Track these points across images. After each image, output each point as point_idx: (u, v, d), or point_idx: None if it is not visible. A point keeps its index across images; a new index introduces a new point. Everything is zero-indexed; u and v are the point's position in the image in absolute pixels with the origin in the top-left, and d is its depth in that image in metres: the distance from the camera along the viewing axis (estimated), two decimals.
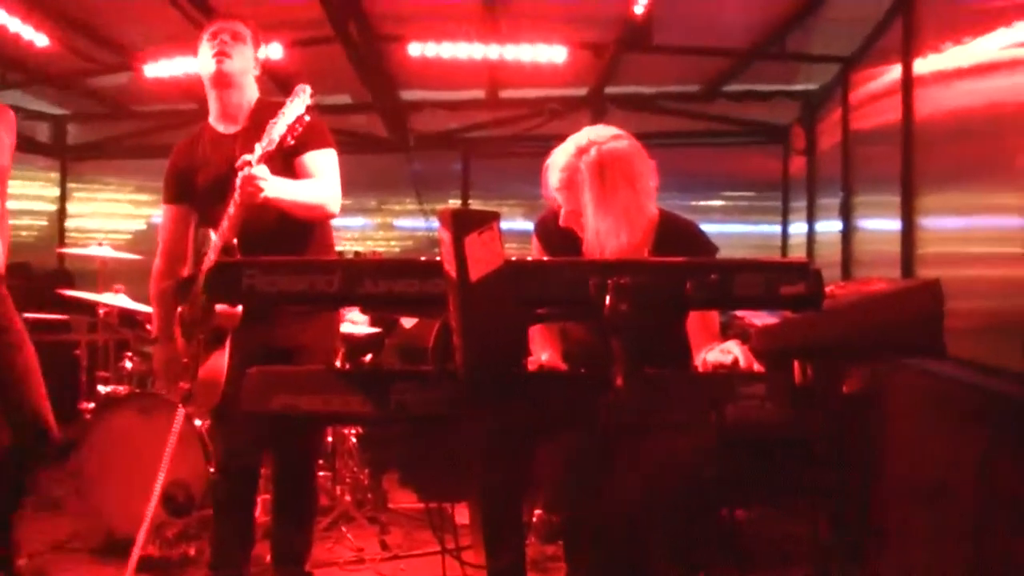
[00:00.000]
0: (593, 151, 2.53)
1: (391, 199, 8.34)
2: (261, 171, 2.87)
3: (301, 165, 3.18)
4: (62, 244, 8.34)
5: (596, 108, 6.94)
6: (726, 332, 2.70)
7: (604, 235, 2.48)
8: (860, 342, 2.14)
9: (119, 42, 6.23)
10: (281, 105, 2.95)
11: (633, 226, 2.50)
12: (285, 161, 3.10)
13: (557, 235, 2.66)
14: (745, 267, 1.74)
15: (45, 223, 8.73)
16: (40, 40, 5.87)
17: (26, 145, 8.48)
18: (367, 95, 7.11)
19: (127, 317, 5.14)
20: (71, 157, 8.67)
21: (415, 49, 5.96)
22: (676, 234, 2.66)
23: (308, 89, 2.91)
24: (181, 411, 3.70)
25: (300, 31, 5.67)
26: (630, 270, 1.71)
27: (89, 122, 8.43)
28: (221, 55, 3.19)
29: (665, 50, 5.96)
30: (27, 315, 5.47)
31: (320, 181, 3.19)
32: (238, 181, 2.87)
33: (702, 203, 7.78)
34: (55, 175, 8.72)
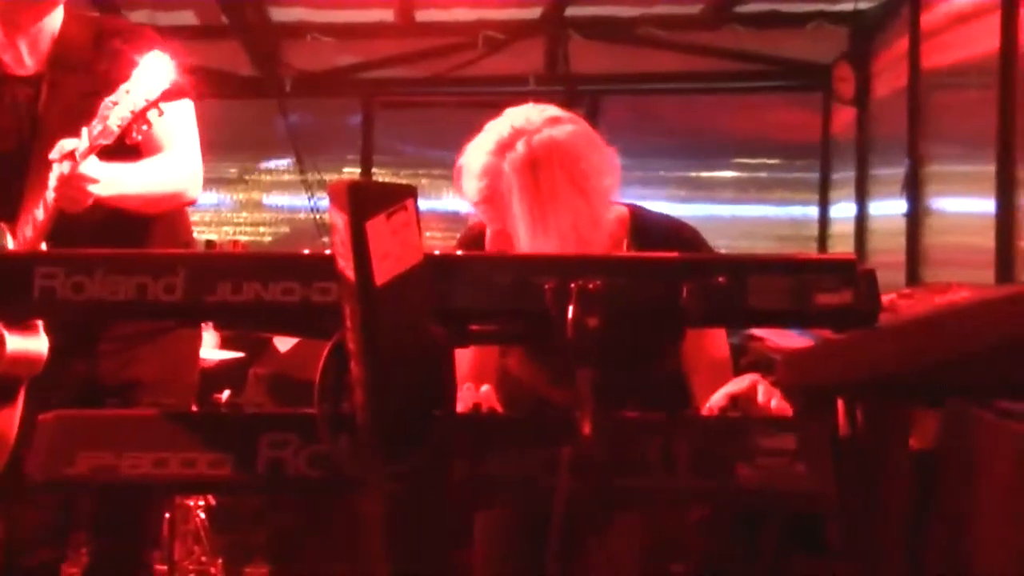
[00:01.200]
0: (520, 145, 2.46)
1: (258, 166, 8.32)
2: (90, 169, 2.79)
3: (144, 129, 3.00)
4: None
5: (552, 36, 6.97)
6: (739, 360, 2.74)
7: None
8: (934, 376, 2.17)
9: None
10: (106, 33, 2.96)
11: (587, 245, 2.49)
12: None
13: None
14: (766, 266, 1.76)
15: None
16: None
17: None
18: (220, 15, 7.08)
19: None
20: None
21: None
22: (662, 243, 2.60)
23: (169, 61, 2.82)
24: None
25: None
26: (602, 269, 1.72)
27: None
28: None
29: None
30: None
31: (173, 156, 3.12)
32: (52, 180, 2.80)
33: (706, 174, 7.83)
34: None
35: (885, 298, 1.82)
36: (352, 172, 8.01)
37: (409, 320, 1.66)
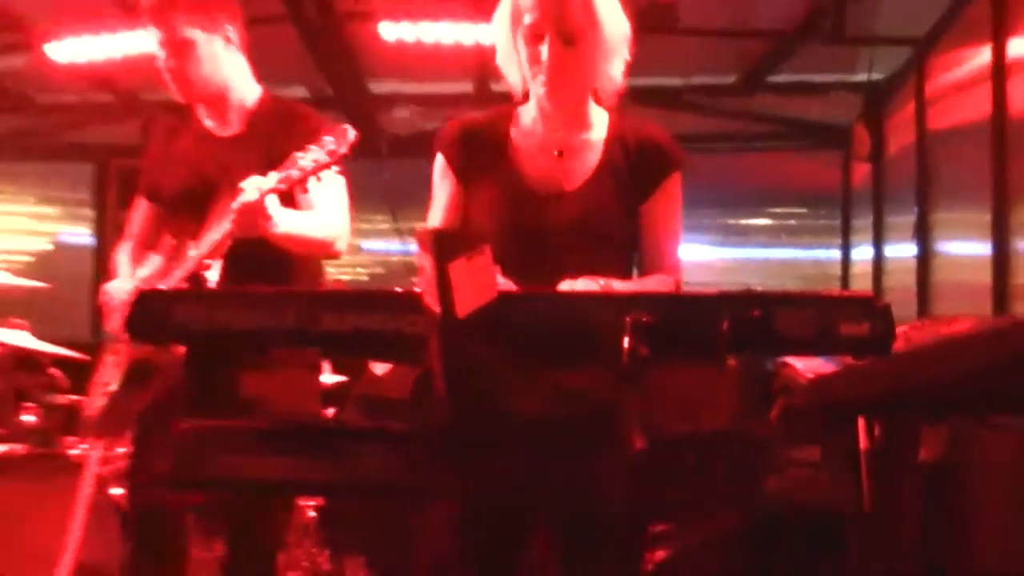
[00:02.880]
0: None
1: (358, 216, 8.32)
2: (272, 204, 2.88)
3: (302, 194, 3.15)
4: None
5: None
6: (772, 381, 2.71)
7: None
8: (940, 395, 2.14)
9: (12, 14, 6.26)
10: (291, 113, 3.16)
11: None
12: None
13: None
14: (795, 301, 1.75)
15: None
16: None
17: None
18: (328, 87, 7.15)
19: (27, 359, 5.14)
20: None
21: (388, 31, 6.01)
22: (637, 145, 2.46)
23: (351, 134, 2.94)
24: (90, 474, 3.71)
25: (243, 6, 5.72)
26: (652, 305, 1.72)
27: None
28: (172, 79, 3.21)
29: (695, 32, 5.98)
30: None
31: (327, 214, 3.22)
32: (236, 205, 2.87)
33: (742, 222, 7.78)
34: None
35: (899, 329, 1.80)
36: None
37: (484, 348, 1.66)
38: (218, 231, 2.95)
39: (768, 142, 7.71)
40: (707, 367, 2.00)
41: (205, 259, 2.98)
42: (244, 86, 3.31)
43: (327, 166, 2.91)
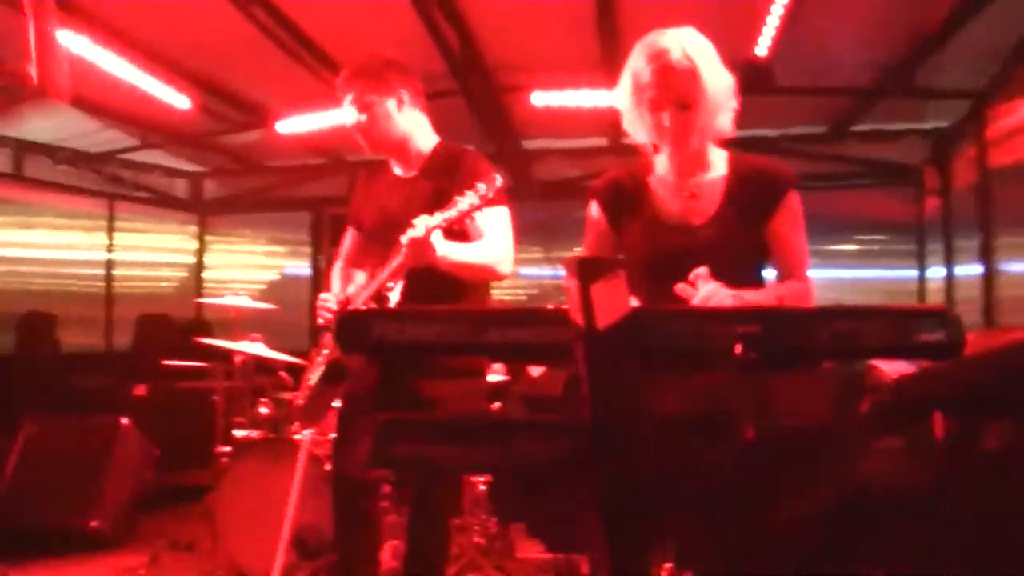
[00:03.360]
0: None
1: (517, 248, 8.44)
2: (436, 238, 2.89)
3: (471, 223, 3.13)
4: (200, 295, 8.71)
5: None
6: (861, 381, 2.61)
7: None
8: (1004, 392, 2.04)
9: (251, 102, 6.53)
10: (462, 156, 3.17)
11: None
12: None
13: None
14: (880, 315, 1.70)
15: (184, 275, 9.14)
16: (181, 103, 6.20)
17: (165, 201, 8.97)
18: (490, 146, 7.24)
19: (262, 365, 5.32)
20: (208, 211, 9.08)
21: (538, 98, 6.06)
22: (756, 179, 2.45)
23: (499, 179, 2.95)
24: (304, 453, 3.81)
25: (424, 85, 5.82)
26: (761, 318, 1.68)
27: (224, 178, 8.84)
28: (359, 135, 3.27)
29: (789, 91, 5.90)
30: (167, 362, 5.75)
31: (491, 241, 3.18)
32: (405, 240, 2.89)
33: (833, 247, 7.61)
34: (193, 229, 9.15)
35: (968, 336, 1.74)
36: (580, 251, 8.04)
37: (620, 355, 1.64)
38: (395, 260, 2.95)
39: (853, 180, 7.54)
40: (808, 371, 1.95)
41: (387, 283, 3.00)
42: (422, 137, 3.33)
43: (479, 208, 2.89)
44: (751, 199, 2.38)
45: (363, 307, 3.04)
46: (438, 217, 2.88)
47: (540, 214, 7.89)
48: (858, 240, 7.70)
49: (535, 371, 5.09)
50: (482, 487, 4.83)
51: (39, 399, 6.41)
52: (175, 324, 7.94)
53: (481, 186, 2.88)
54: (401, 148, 3.31)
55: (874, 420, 1.98)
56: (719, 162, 2.45)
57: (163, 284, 8.92)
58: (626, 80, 2.38)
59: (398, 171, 3.36)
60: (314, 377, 3.31)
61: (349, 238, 3.55)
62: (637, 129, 2.42)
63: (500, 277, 3.26)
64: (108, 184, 8.41)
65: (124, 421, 5.63)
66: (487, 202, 2.95)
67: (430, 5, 4.90)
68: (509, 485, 4.62)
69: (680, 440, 1.80)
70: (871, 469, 1.67)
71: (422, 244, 2.85)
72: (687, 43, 2.30)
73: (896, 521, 2.43)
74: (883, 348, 1.72)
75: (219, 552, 4.43)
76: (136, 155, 8.11)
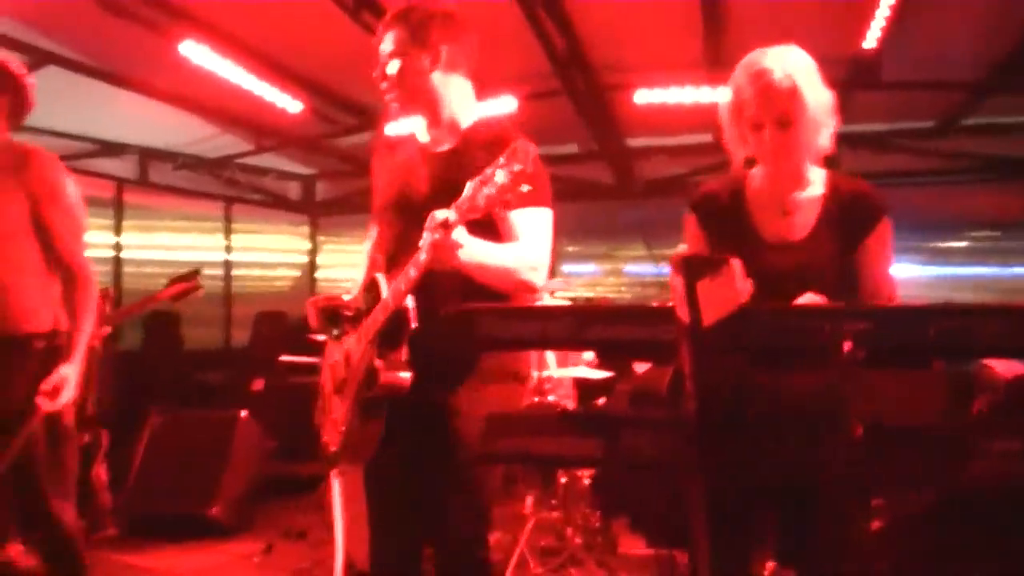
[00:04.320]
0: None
1: (620, 245, 8.41)
2: (459, 235, 2.41)
3: (505, 222, 2.64)
4: (313, 293, 8.92)
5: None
6: (974, 380, 2.54)
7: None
8: None
9: (361, 104, 6.66)
10: (506, 135, 2.59)
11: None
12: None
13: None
14: (992, 312, 1.64)
15: (298, 274, 9.38)
16: (293, 107, 6.37)
17: (279, 203, 9.22)
18: (594, 144, 7.23)
19: None
20: (319, 212, 9.29)
21: (641, 96, 6.03)
22: (852, 202, 2.38)
23: (531, 150, 2.35)
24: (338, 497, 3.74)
25: (529, 84, 5.85)
26: (870, 316, 1.65)
27: (335, 179, 9.02)
28: (386, 87, 2.80)
29: (896, 86, 5.74)
30: (282, 358, 5.91)
31: (525, 245, 2.64)
32: (424, 241, 2.44)
33: (943, 244, 7.38)
34: (306, 229, 9.37)
35: None
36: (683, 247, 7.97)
37: (725, 352, 1.63)
38: (412, 267, 2.50)
39: (963, 176, 7.29)
40: (917, 369, 1.90)
41: (402, 294, 2.55)
42: (459, 105, 2.79)
43: (510, 193, 2.33)
44: (846, 220, 2.37)
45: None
46: (460, 206, 2.39)
47: (644, 212, 7.85)
48: (970, 237, 7.45)
49: (639, 367, 5.07)
50: (586, 481, 4.83)
51: (164, 393, 6.68)
52: (290, 321, 8.15)
53: (506, 166, 2.33)
54: (432, 112, 2.79)
55: (988, 420, 1.92)
56: (817, 180, 2.44)
57: (278, 283, 9.16)
58: (728, 97, 2.40)
59: (425, 139, 2.84)
60: (338, 412, 2.81)
61: (372, 234, 3.03)
62: (737, 146, 2.44)
63: (530, 289, 2.68)
64: (225, 187, 8.71)
65: (242, 414, 5.81)
66: (524, 199, 2.43)
67: (535, 5, 4.93)
68: (613, 479, 4.61)
69: (786, 438, 1.78)
70: (984, 471, 1.62)
71: (444, 247, 2.41)
72: (788, 62, 2.32)
73: (1011, 524, 2.35)
74: (995, 347, 1.66)
75: (329, 541, 4.54)
76: (251, 159, 8.36)
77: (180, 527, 5.28)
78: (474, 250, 2.47)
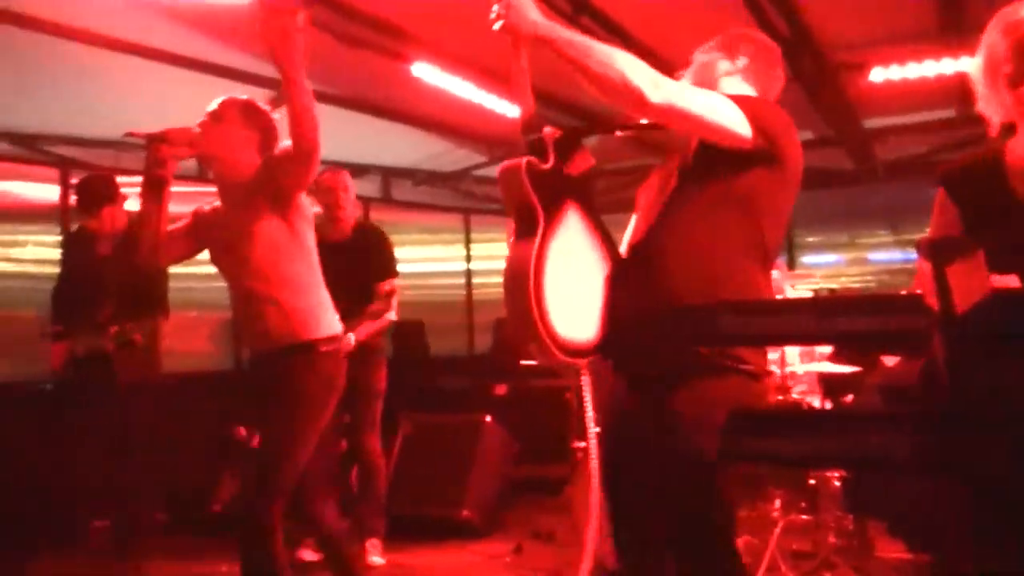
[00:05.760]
0: None
1: (863, 232, 8.02)
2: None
3: None
4: None
5: None
6: None
7: None
8: None
9: (587, 108, 6.70)
10: None
11: None
12: None
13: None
14: None
15: None
16: (511, 112, 6.52)
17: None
18: (828, 128, 6.93)
19: None
20: None
21: (877, 74, 5.72)
22: None
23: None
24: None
25: None
26: None
27: None
28: None
29: None
30: (524, 363, 6.02)
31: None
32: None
33: None
34: None
35: None
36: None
37: (981, 341, 1.51)
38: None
39: None
40: None
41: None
42: None
43: None
44: None
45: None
46: None
47: (886, 196, 7.45)
48: None
49: (889, 360, 4.80)
50: (836, 482, 4.63)
51: (413, 400, 6.98)
52: None
53: None
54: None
55: None
56: None
57: None
58: (981, 56, 2.17)
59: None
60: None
61: None
62: (993, 109, 2.20)
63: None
64: (463, 200, 9.05)
65: (487, 418, 5.98)
66: None
67: None
68: (866, 480, 4.38)
69: None
70: None
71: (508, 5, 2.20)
72: None
73: None
74: None
75: (578, 542, 4.58)
76: (486, 170, 8.62)
77: (433, 528, 5.49)
78: (560, 29, 2.23)
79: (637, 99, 2.20)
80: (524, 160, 2.34)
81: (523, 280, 2.22)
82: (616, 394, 2.50)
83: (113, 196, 4.90)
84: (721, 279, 2.36)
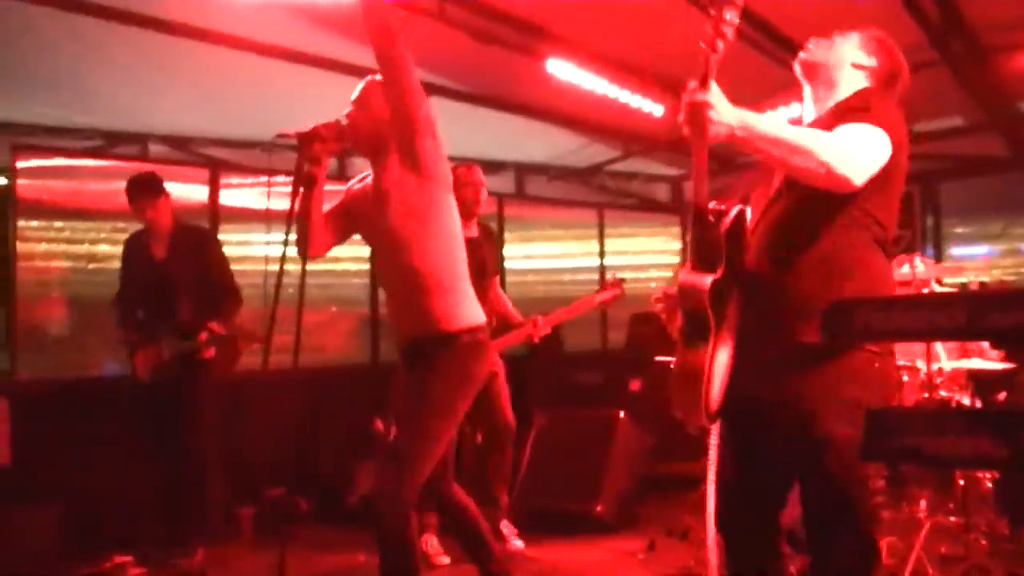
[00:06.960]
0: None
1: (1017, 222, 7.58)
2: (713, 96, 2.17)
3: None
4: None
5: None
6: None
7: None
8: None
9: None
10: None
11: None
12: None
13: None
14: None
15: (670, 275, 9.43)
16: (656, 110, 6.44)
17: (648, 205, 9.35)
18: (982, 113, 6.59)
19: None
20: (688, 212, 9.29)
21: None
22: None
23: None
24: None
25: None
26: None
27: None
28: None
29: None
30: (659, 358, 5.95)
31: (834, 135, 2.29)
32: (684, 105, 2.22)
33: None
34: (676, 230, 9.43)
35: None
36: None
37: None
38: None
39: None
40: None
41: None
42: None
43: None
44: None
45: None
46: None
47: None
48: None
49: None
50: (988, 484, 4.40)
51: (547, 394, 6.99)
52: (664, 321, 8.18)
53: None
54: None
55: None
56: None
57: (652, 284, 9.26)
58: None
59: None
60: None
61: None
62: None
63: (844, 183, 2.24)
64: (596, 194, 9.06)
65: (621, 414, 5.93)
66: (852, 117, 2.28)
67: None
68: (1020, 481, 4.16)
69: None
70: None
71: (696, 107, 2.17)
72: None
73: None
74: None
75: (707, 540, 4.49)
76: (620, 165, 8.57)
77: (566, 522, 5.48)
78: (750, 117, 2.20)
79: (843, 185, 2.25)
80: (709, 281, 2.43)
81: (698, 384, 2.44)
82: (738, 379, 2.47)
83: (160, 190, 4.96)
84: (846, 272, 2.38)
